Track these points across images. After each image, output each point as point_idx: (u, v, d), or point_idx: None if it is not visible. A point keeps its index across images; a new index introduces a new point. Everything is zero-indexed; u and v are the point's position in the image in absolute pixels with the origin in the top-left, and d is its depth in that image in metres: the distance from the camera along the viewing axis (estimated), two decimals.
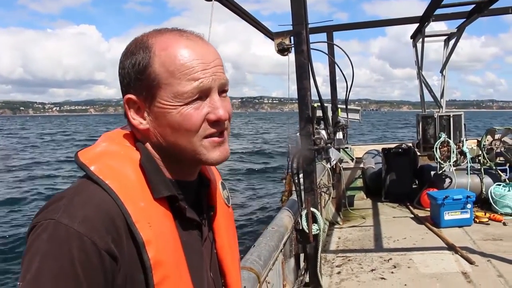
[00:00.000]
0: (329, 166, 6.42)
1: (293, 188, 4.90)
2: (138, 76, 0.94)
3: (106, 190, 0.88)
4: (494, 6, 6.17)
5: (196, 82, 0.92)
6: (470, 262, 5.14)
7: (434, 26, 7.96)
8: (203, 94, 0.94)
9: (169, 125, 0.94)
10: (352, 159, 9.12)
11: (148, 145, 0.99)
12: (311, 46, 3.81)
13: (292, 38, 5.75)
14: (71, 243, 0.81)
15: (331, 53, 7.30)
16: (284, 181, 10.80)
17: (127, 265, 0.87)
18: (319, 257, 3.68)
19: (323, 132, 3.82)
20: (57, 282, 0.80)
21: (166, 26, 1.01)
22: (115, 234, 0.85)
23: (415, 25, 8.18)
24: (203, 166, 1.12)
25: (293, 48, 3.90)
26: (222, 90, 0.98)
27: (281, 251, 3.16)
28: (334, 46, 7.41)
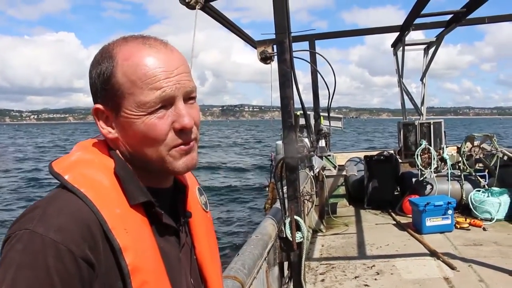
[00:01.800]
0: (312, 174, 6.45)
1: (277, 196, 4.90)
2: (103, 86, 0.94)
3: (81, 198, 0.87)
4: (472, 16, 6.32)
5: (158, 91, 0.91)
6: (452, 267, 5.21)
7: (412, 35, 8.10)
8: (166, 103, 0.93)
9: (135, 135, 0.94)
10: (334, 167, 9.18)
11: (119, 154, 0.99)
12: (294, 54, 3.84)
13: (274, 46, 5.79)
14: (46, 252, 0.80)
15: (313, 62, 7.35)
16: (267, 189, 10.81)
17: (104, 273, 0.86)
18: (303, 265, 3.68)
19: (306, 140, 3.83)
20: None
21: (147, 34, 1.00)
22: (92, 241, 0.84)
23: (394, 34, 8.33)
24: None
25: (275, 57, 3.92)
26: (189, 97, 0.97)
27: (265, 259, 3.15)
28: (316, 54, 7.48)
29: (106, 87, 0.94)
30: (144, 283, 0.89)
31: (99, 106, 0.96)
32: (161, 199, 1.01)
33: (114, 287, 0.87)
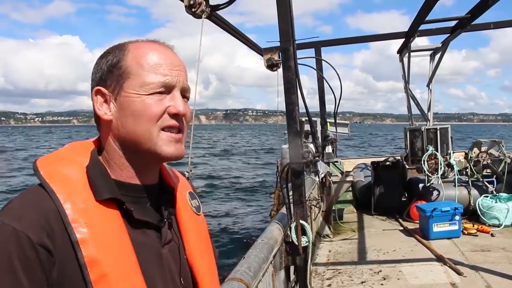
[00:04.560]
0: (318, 179, 6.48)
1: (282, 203, 4.93)
2: (111, 68, 1.04)
3: (48, 192, 0.95)
4: (477, 21, 6.35)
5: (162, 76, 1.02)
6: (459, 273, 5.20)
7: (418, 41, 8.15)
8: (166, 90, 1.03)
9: (132, 113, 1.02)
10: (342, 173, 9.20)
11: (110, 140, 1.05)
12: (300, 61, 3.89)
13: (281, 53, 5.84)
14: (8, 238, 0.88)
15: (319, 68, 7.41)
16: (273, 195, 10.83)
17: (62, 262, 0.91)
18: (309, 269, 3.71)
19: (311, 146, 3.88)
20: None
21: (150, 38, 1.11)
22: (50, 230, 0.91)
23: (399, 39, 8.37)
24: (166, 174, 1.19)
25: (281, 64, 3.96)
26: (184, 96, 1.07)
27: (271, 263, 3.18)
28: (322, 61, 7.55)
29: (113, 69, 1.04)
30: (103, 275, 0.93)
31: (101, 87, 1.05)
32: (146, 194, 1.08)
33: (72, 276, 0.92)
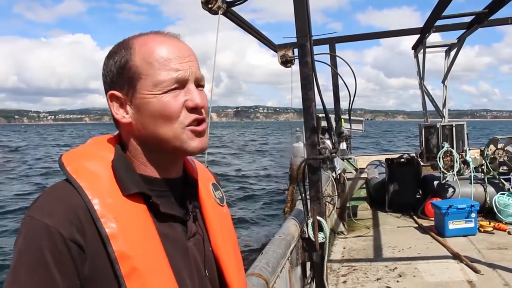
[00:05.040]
0: (334, 176, 6.46)
1: (298, 198, 4.94)
2: (120, 71, 1.02)
3: (75, 187, 0.95)
4: (494, 16, 6.26)
5: (174, 72, 1.00)
6: (475, 271, 5.16)
7: (430, 38, 8.03)
8: (180, 84, 1.01)
9: (150, 114, 1.00)
10: (356, 170, 9.16)
11: (132, 141, 1.05)
12: (315, 57, 3.88)
13: (295, 50, 5.83)
14: (40, 234, 0.89)
15: (333, 65, 7.38)
16: (286, 192, 10.82)
17: (92, 256, 0.92)
18: (325, 265, 3.71)
19: (328, 142, 3.87)
20: (30, 270, 0.88)
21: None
22: (80, 226, 0.92)
23: (410, 36, 8.29)
24: (189, 166, 1.18)
25: (296, 60, 3.96)
26: (199, 85, 1.05)
27: (288, 259, 3.18)
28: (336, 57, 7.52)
29: (123, 71, 1.02)
30: (133, 269, 0.94)
31: (115, 91, 1.03)
32: (170, 188, 1.07)
33: (104, 271, 0.93)
